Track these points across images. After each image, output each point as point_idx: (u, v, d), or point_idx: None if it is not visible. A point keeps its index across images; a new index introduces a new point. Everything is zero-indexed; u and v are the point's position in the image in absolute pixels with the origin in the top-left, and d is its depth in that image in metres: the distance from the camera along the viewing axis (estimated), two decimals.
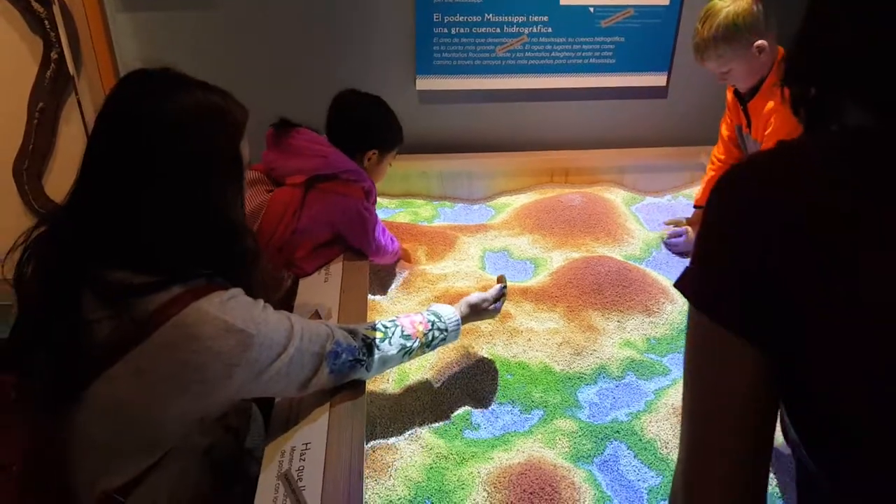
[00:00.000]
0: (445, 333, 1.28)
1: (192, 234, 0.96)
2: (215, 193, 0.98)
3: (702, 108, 2.28)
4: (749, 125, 1.94)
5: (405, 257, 1.87)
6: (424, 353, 1.27)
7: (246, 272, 1.04)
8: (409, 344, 1.22)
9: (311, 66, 2.20)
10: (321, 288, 1.56)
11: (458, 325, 1.31)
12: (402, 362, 1.23)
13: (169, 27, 2.08)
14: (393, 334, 1.20)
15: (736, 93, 1.98)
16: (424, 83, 2.24)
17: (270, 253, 1.52)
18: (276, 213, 1.53)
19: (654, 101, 2.37)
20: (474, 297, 1.38)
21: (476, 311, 1.37)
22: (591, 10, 2.17)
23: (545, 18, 2.17)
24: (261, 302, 1.02)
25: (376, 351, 1.16)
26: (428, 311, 1.31)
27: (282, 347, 0.99)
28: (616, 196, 2.30)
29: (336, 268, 1.62)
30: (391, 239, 1.72)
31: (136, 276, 0.92)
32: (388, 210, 2.24)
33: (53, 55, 1.99)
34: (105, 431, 0.92)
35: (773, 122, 1.81)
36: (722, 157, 2.08)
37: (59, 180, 2.20)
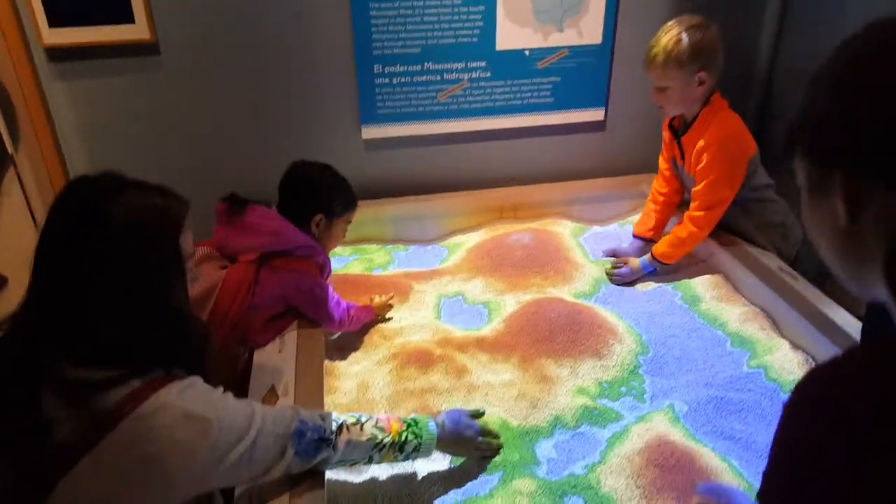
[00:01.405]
0: (419, 441, 1.27)
1: (141, 328, 1.00)
2: (158, 289, 1.02)
3: (639, 140, 2.37)
4: (683, 158, 2.03)
5: (377, 311, 1.87)
6: (396, 458, 1.26)
7: (198, 359, 1.07)
8: (380, 436, 1.22)
9: (256, 125, 2.20)
10: (276, 359, 1.58)
11: (433, 435, 1.30)
12: (370, 455, 1.22)
13: (107, 94, 2.05)
14: (366, 421, 1.22)
15: (671, 127, 2.06)
16: (369, 132, 2.27)
17: (226, 330, 1.54)
18: (231, 291, 1.54)
19: (593, 135, 2.44)
20: (462, 420, 1.38)
21: (457, 434, 1.35)
22: (527, 53, 2.23)
23: (483, 64, 2.22)
24: (220, 388, 1.06)
25: (345, 432, 1.18)
26: (407, 416, 1.32)
27: (243, 431, 1.02)
28: (564, 228, 2.37)
29: (290, 337, 1.64)
30: (346, 309, 1.74)
31: (95, 373, 0.95)
32: (342, 258, 2.25)
33: None
34: None
35: (706, 158, 1.91)
36: (663, 190, 2.17)
37: (1, 256, 2.15)
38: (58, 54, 1.96)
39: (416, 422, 1.29)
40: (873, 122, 0.55)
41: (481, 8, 2.13)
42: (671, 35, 1.83)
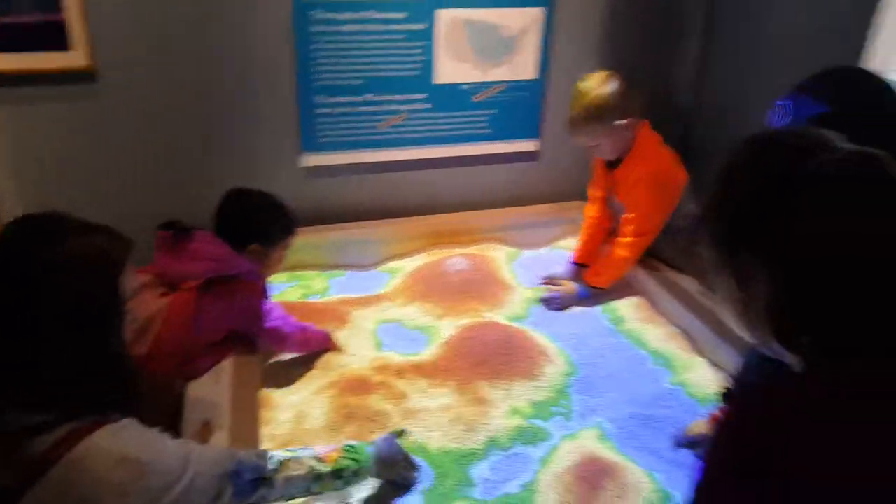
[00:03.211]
0: (358, 465, 1.29)
1: (78, 372, 1.00)
2: (97, 333, 1.02)
3: (570, 169, 2.49)
4: (616, 190, 2.16)
5: (329, 343, 1.89)
6: (336, 486, 1.27)
7: (132, 401, 1.07)
8: (318, 467, 1.22)
9: (198, 151, 2.20)
10: (211, 389, 1.58)
11: (370, 459, 1.33)
12: (310, 489, 1.23)
13: (40, 121, 2.01)
14: (302, 455, 1.23)
15: (604, 162, 2.19)
16: (310, 159, 2.31)
17: (169, 360, 1.53)
18: (175, 320, 1.54)
19: (527, 164, 2.55)
20: (395, 446, 1.42)
21: (391, 458, 1.40)
22: (465, 86, 2.33)
23: (422, 96, 2.30)
24: (156, 429, 1.06)
25: (283, 469, 1.18)
26: (343, 443, 1.34)
27: (178, 473, 1.02)
28: (499, 252, 2.46)
29: (226, 366, 1.64)
30: (300, 328, 1.78)
31: (29, 417, 0.95)
32: (278, 285, 2.25)
33: None
34: None
35: (638, 190, 2.04)
36: (594, 215, 2.29)
37: None
38: None
39: (353, 447, 1.32)
40: (731, 206, 0.74)
41: (421, 43, 2.22)
42: (582, 100, 1.95)
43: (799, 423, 0.65)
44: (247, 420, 1.48)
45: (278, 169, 2.29)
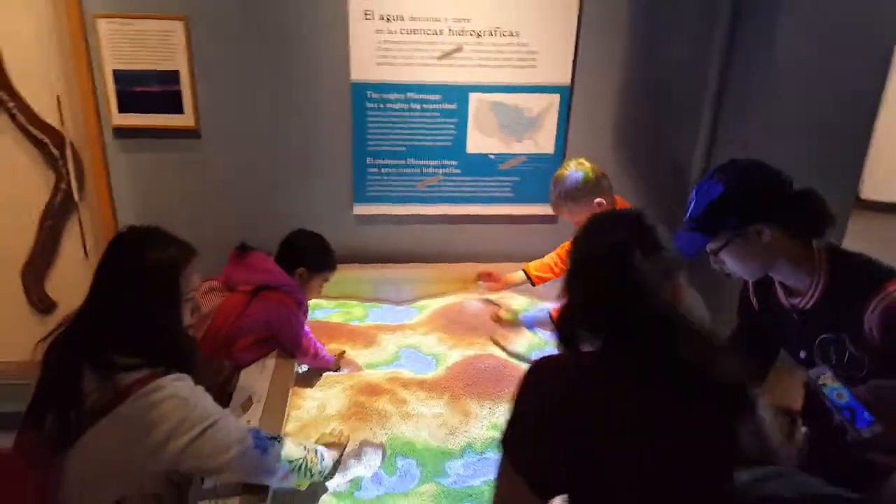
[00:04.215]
0: (321, 452, 1.71)
1: (147, 334, 1.43)
2: (157, 310, 1.45)
3: None
4: None
5: (336, 365, 2.28)
6: (316, 460, 1.65)
7: (186, 363, 1.48)
8: (305, 443, 1.66)
9: (270, 197, 2.75)
10: (258, 377, 2.02)
11: (326, 456, 1.72)
12: (304, 457, 1.61)
13: (157, 167, 2.63)
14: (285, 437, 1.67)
15: None
16: (360, 209, 2.79)
17: (217, 344, 1.99)
18: (225, 313, 2.02)
19: (545, 226, 2.93)
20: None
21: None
22: (492, 157, 2.77)
23: (455, 163, 2.75)
24: (201, 387, 1.48)
25: (280, 436, 1.62)
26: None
27: (209, 414, 1.42)
28: (513, 301, 2.82)
29: (270, 362, 2.09)
30: (315, 345, 2.20)
31: (125, 359, 1.39)
32: (326, 310, 2.72)
33: (63, 186, 2.53)
34: (87, 471, 1.35)
35: None
36: (560, 251, 2.63)
37: (58, 282, 2.68)
38: (122, 133, 2.55)
39: (312, 445, 1.72)
40: (571, 263, 1.22)
41: (455, 120, 2.69)
42: (560, 185, 2.30)
43: (565, 381, 1.04)
44: (279, 401, 1.90)
45: (334, 215, 2.79)
